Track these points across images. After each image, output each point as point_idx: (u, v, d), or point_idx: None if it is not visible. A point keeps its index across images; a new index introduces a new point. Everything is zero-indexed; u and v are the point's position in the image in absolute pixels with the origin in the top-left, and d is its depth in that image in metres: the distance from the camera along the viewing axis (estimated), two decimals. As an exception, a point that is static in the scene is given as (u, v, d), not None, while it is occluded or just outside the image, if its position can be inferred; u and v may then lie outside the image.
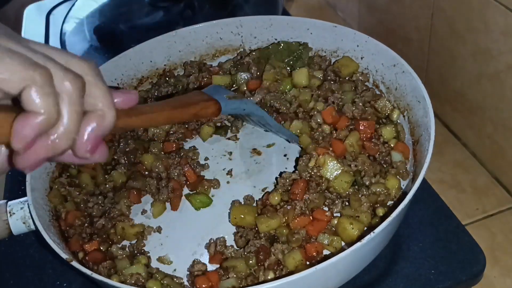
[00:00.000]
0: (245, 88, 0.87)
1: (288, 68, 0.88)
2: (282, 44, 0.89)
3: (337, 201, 0.69)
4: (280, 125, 0.78)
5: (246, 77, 0.87)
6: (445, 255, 0.67)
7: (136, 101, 0.46)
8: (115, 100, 0.44)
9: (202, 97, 0.63)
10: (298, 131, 0.77)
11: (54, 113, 0.37)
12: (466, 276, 0.66)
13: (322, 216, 0.67)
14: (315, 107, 0.79)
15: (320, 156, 0.71)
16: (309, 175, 0.71)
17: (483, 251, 0.68)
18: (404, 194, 0.67)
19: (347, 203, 0.69)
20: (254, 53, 0.91)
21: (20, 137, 0.37)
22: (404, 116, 0.78)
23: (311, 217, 0.68)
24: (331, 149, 0.73)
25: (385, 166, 0.73)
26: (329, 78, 0.85)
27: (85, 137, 0.40)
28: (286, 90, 0.84)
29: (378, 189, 0.69)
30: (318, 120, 0.77)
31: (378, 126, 0.76)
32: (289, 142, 0.81)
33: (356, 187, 0.70)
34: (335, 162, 0.70)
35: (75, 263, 0.59)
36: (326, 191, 0.70)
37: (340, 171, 0.70)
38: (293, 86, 0.84)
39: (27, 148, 0.37)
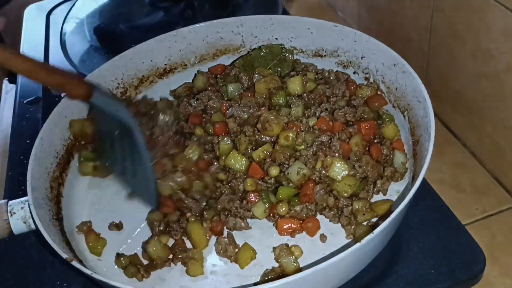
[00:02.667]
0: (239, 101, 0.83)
1: (276, 73, 0.88)
2: (264, 49, 0.89)
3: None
4: (151, 167, 0.69)
5: (237, 89, 0.84)
6: (445, 255, 0.67)
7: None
8: None
9: (80, 77, 0.68)
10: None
11: None
12: (466, 276, 0.66)
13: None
14: (307, 123, 0.77)
15: (327, 157, 0.71)
16: (318, 177, 0.71)
17: (483, 251, 0.68)
18: (404, 194, 0.67)
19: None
20: (237, 62, 0.90)
21: None
22: (404, 116, 0.78)
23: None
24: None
25: (385, 167, 0.73)
26: (321, 80, 0.85)
27: None
28: (281, 101, 0.81)
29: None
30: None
31: (377, 123, 0.77)
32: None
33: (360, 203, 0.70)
34: (342, 163, 0.70)
35: (75, 263, 0.59)
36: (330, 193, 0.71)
37: (347, 171, 0.70)
38: (287, 95, 0.82)
39: None
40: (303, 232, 0.69)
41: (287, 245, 0.67)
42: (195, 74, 0.93)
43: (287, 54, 0.90)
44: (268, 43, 0.92)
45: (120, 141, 0.72)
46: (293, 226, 0.69)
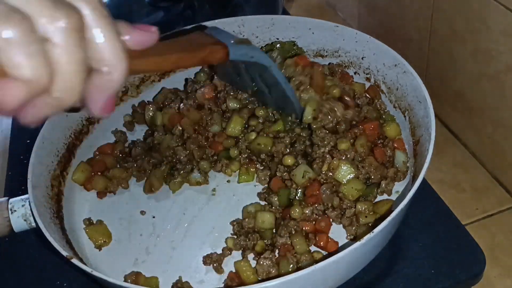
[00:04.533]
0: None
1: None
2: (276, 45, 0.89)
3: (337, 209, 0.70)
4: (291, 88, 0.74)
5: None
6: (445, 255, 0.67)
7: (155, 41, 0.38)
8: (126, 38, 0.36)
9: (209, 40, 0.59)
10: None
11: (44, 74, 0.29)
12: (466, 276, 0.66)
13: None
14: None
15: (334, 160, 0.71)
16: (323, 178, 0.71)
17: (483, 251, 0.68)
18: (404, 194, 0.67)
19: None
20: None
21: (4, 106, 0.30)
22: (405, 116, 0.78)
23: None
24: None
25: (388, 168, 0.73)
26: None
27: (95, 101, 0.34)
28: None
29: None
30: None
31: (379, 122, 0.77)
32: (292, 116, 0.77)
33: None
34: (348, 165, 0.70)
35: (75, 261, 0.59)
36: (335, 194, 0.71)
37: (353, 175, 0.70)
38: None
39: (20, 110, 0.31)
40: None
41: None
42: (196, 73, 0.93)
43: (297, 51, 0.89)
44: (269, 43, 0.92)
45: (248, 73, 0.73)
46: (305, 228, 0.68)
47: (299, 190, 0.70)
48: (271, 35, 0.92)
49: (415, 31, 0.95)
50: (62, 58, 0.30)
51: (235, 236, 0.69)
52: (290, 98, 0.74)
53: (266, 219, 0.68)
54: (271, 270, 0.63)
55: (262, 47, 0.91)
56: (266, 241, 0.67)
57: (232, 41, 0.63)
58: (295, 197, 0.70)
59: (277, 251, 0.66)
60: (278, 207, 0.70)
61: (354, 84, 0.85)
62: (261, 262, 0.64)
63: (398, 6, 0.99)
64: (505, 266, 0.73)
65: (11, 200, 0.68)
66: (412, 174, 0.73)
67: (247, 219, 0.69)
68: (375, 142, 0.75)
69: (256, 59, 0.69)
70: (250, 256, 0.67)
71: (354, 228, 0.68)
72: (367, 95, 0.83)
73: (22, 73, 0.29)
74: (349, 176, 0.70)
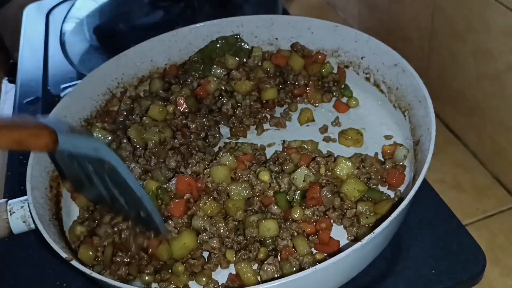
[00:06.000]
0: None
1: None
2: (219, 41, 0.91)
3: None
4: (147, 197, 0.64)
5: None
6: (445, 255, 0.67)
7: None
8: None
9: (34, 122, 0.54)
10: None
11: None
12: (466, 276, 0.65)
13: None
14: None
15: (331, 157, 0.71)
16: (323, 180, 0.71)
17: (483, 251, 0.68)
18: (405, 194, 0.67)
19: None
20: (194, 56, 0.92)
21: None
22: (405, 116, 0.78)
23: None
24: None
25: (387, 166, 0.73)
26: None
27: None
28: None
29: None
30: None
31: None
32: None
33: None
34: (348, 161, 0.70)
35: (74, 262, 0.59)
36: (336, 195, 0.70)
37: (352, 170, 0.70)
38: None
39: None
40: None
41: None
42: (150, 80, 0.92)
43: (243, 44, 0.91)
44: (268, 42, 0.92)
45: (97, 175, 0.62)
46: (307, 230, 0.68)
47: (297, 192, 0.69)
48: (270, 34, 0.92)
49: (415, 31, 0.95)
50: None
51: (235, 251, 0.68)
52: (146, 207, 0.63)
53: (272, 227, 0.67)
54: (275, 275, 0.63)
55: (206, 45, 0.92)
56: (268, 248, 0.67)
57: (66, 127, 0.58)
58: (293, 199, 0.69)
59: (279, 254, 0.66)
60: (280, 213, 0.70)
61: (325, 65, 0.88)
62: (265, 268, 0.63)
63: (399, 5, 0.98)
64: (506, 266, 0.73)
65: (10, 201, 0.68)
66: (412, 174, 0.73)
67: (249, 228, 0.68)
68: None
69: (99, 154, 0.60)
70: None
71: (355, 229, 0.67)
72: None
73: None
74: (348, 171, 0.70)
